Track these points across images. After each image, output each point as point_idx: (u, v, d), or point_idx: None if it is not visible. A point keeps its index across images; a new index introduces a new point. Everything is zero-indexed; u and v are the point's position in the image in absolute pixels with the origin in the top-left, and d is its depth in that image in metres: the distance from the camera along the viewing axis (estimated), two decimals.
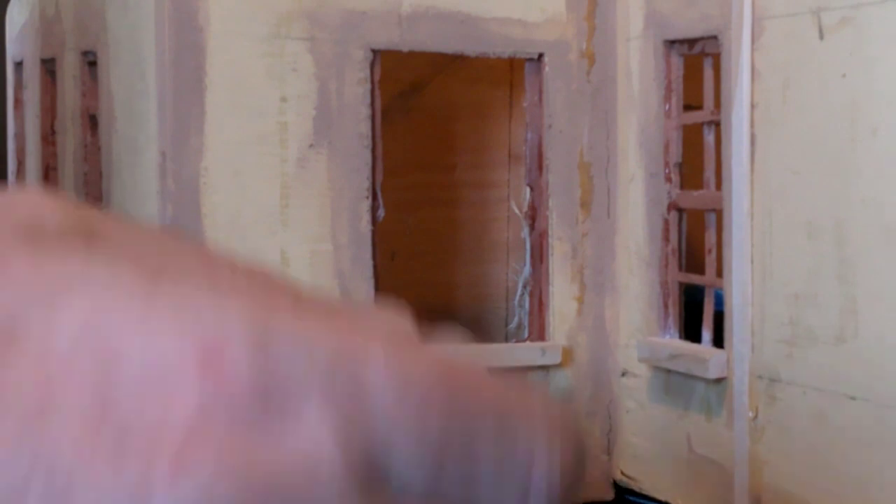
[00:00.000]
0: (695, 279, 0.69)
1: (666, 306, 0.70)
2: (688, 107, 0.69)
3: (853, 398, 0.58)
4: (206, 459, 0.18)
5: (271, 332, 0.19)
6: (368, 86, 0.68)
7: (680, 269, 0.70)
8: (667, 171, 0.69)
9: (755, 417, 0.63)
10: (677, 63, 0.69)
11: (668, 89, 0.69)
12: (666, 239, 0.70)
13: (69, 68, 0.83)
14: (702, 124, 0.68)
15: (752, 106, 0.63)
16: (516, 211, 0.76)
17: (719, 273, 0.66)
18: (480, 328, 0.82)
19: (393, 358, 0.20)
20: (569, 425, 0.22)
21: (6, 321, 0.19)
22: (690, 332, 0.69)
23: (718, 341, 0.67)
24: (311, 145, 0.68)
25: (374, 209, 0.69)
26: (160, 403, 0.19)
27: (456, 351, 0.23)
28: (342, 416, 0.19)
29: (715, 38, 0.65)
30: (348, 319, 0.21)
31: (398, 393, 0.20)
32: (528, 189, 0.74)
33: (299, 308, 0.21)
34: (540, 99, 0.72)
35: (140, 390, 0.19)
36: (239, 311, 0.19)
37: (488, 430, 0.21)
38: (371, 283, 0.69)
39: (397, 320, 0.23)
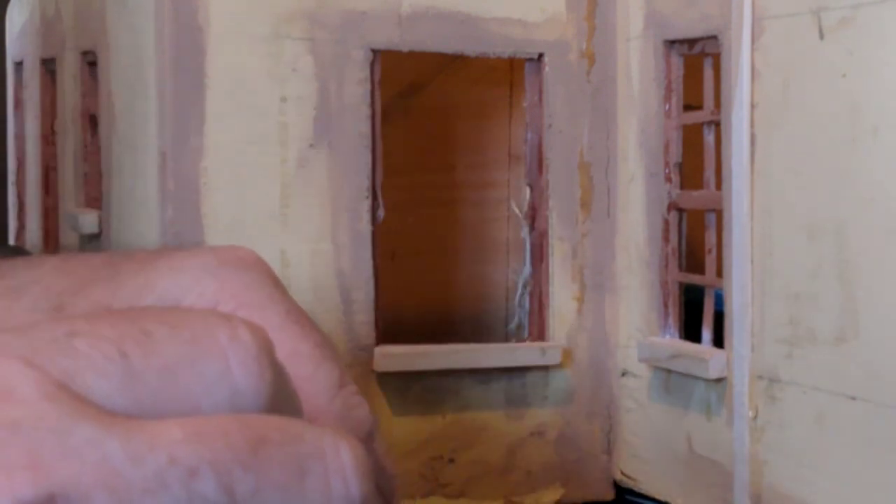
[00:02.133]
0: (695, 279, 0.69)
1: (666, 306, 0.70)
2: (688, 107, 0.69)
3: (853, 398, 0.58)
4: None
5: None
6: (368, 86, 0.68)
7: (680, 269, 0.70)
8: (667, 171, 0.70)
9: (755, 417, 0.63)
10: (677, 63, 0.69)
11: (668, 89, 0.69)
12: (666, 239, 0.70)
13: (69, 68, 0.83)
14: (702, 124, 0.68)
15: (752, 106, 0.63)
16: (516, 211, 0.76)
17: (719, 273, 0.66)
18: (480, 328, 0.82)
19: (58, 316, 0.23)
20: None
21: None
22: (690, 332, 0.69)
23: (718, 341, 0.67)
24: (311, 145, 0.68)
25: (374, 209, 0.69)
26: None
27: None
28: (24, 358, 0.22)
29: (715, 38, 0.65)
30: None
31: (68, 329, 0.22)
32: (528, 189, 0.74)
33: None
34: (540, 99, 0.72)
35: None
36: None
37: (160, 326, 0.23)
38: (371, 283, 0.69)
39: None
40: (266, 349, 0.23)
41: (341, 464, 0.23)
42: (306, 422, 0.24)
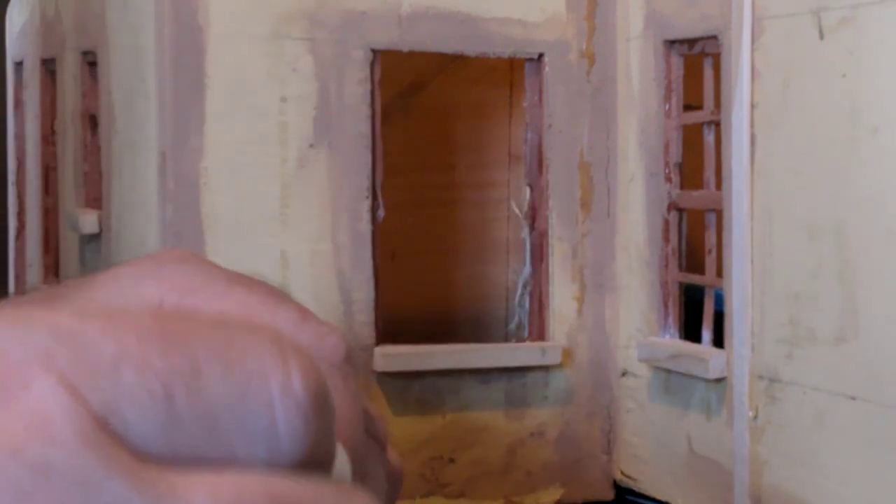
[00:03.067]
0: (695, 279, 0.69)
1: (666, 306, 0.70)
2: (688, 107, 0.69)
3: (853, 398, 0.58)
4: None
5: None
6: (368, 86, 0.68)
7: (680, 269, 0.70)
8: (667, 171, 0.70)
9: (755, 417, 0.63)
10: (677, 63, 0.69)
11: (668, 89, 0.69)
12: (666, 239, 0.70)
13: (69, 68, 0.83)
14: (702, 124, 0.68)
15: (752, 106, 0.63)
16: (516, 211, 0.76)
17: (719, 273, 0.66)
18: (480, 328, 0.82)
19: (108, 325, 0.22)
20: (301, 347, 0.23)
21: None
22: (690, 332, 0.69)
23: (718, 341, 0.67)
24: (311, 145, 0.68)
25: (374, 209, 0.69)
26: None
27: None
28: (66, 380, 0.21)
29: (715, 37, 0.65)
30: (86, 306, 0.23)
31: (117, 350, 0.21)
32: (528, 189, 0.74)
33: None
34: (540, 99, 0.72)
35: None
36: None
37: (213, 364, 0.22)
38: (371, 282, 0.69)
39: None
40: (316, 395, 0.23)
41: None
42: (335, 484, 0.23)
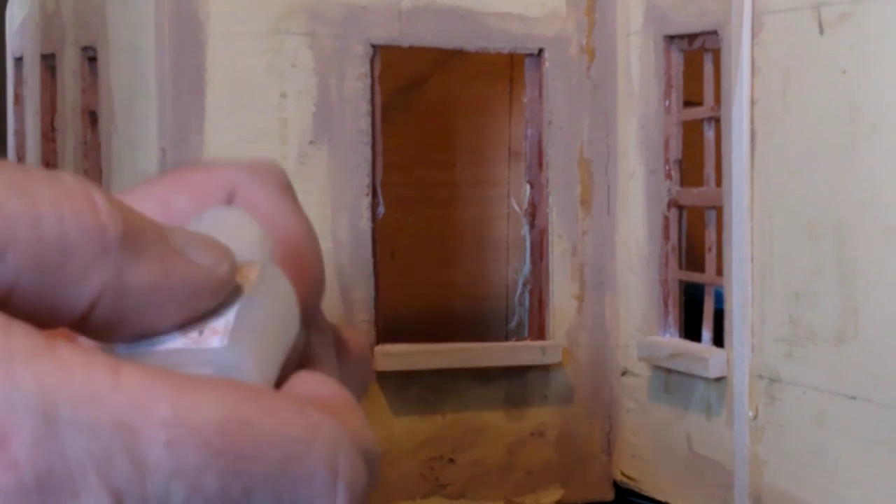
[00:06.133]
0: (695, 277, 0.69)
1: (666, 305, 0.69)
2: (688, 103, 0.69)
3: (853, 398, 0.57)
4: None
5: (57, 411, 0.20)
6: (368, 81, 0.68)
7: (680, 266, 0.69)
8: (667, 167, 0.69)
9: (755, 417, 0.63)
10: (677, 58, 0.69)
11: (668, 85, 0.69)
12: (666, 236, 0.69)
13: (69, 64, 0.83)
14: (702, 120, 0.68)
15: (753, 102, 0.62)
16: (516, 208, 0.76)
17: (719, 271, 0.66)
18: (480, 327, 0.82)
19: (172, 422, 0.21)
20: (361, 431, 0.23)
21: None
22: (690, 330, 0.69)
23: (718, 340, 0.66)
24: (311, 142, 0.67)
25: (374, 206, 0.69)
26: None
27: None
28: (117, 495, 0.20)
29: (715, 33, 0.65)
30: None
31: (172, 464, 0.21)
32: (528, 186, 0.73)
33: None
34: (540, 95, 0.72)
35: None
36: (25, 384, 0.20)
37: (265, 492, 0.21)
38: (371, 280, 0.68)
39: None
40: None
41: None
42: None
